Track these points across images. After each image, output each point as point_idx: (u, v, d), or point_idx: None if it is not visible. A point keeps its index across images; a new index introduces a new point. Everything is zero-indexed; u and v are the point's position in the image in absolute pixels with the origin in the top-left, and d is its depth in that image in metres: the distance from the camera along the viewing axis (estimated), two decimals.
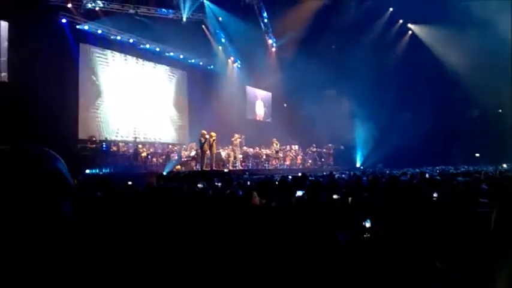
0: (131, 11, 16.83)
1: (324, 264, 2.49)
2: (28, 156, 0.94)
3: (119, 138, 16.37)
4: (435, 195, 6.11)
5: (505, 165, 16.31)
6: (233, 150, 17.23)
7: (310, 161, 21.83)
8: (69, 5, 15.11)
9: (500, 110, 22.13)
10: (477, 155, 22.20)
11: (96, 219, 3.83)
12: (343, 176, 11.10)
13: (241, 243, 3.27)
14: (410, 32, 23.88)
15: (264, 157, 19.47)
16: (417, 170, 13.15)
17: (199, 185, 6.80)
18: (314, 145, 21.92)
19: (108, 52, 17.39)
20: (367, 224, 3.40)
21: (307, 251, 2.59)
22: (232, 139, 17.27)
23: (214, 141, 15.72)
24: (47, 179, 0.93)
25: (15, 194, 0.88)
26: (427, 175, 9.84)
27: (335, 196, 6.03)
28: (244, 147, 18.99)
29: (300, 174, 9.65)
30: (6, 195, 0.88)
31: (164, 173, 13.66)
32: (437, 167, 15.96)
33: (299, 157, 21.63)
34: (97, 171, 13.78)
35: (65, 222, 0.95)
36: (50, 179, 0.94)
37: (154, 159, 16.46)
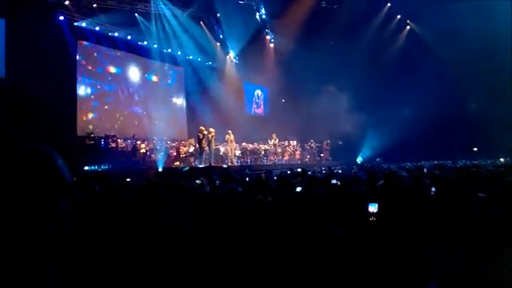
0: (129, 7, 16.79)
1: (321, 261, 2.51)
2: (26, 154, 0.95)
3: (117, 135, 16.35)
4: (433, 189, 6.14)
5: (502, 160, 16.35)
6: (229, 146, 17.23)
7: (308, 156, 21.87)
8: (67, 2, 15.06)
9: (498, 104, 22.08)
10: (475, 149, 22.21)
11: (95, 215, 3.84)
12: (339, 171, 11.17)
13: (240, 241, 3.29)
14: (408, 27, 23.85)
15: (263, 153, 19.48)
16: (415, 164, 13.18)
17: (198, 181, 6.79)
18: (312, 140, 21.95)
19: (106, 49, 17.36)
20: (372, 209, 3.40)
21: (304, 248, 2.60)
22: (227, 136, 17.26)
23: (213, 137, 15.71)
24: (44, 177, 0.94)
25: (14, 192, 0.90)
26: (425, 169, 9.87)
27: (334, 181, 6.06)
28: (244, 143, 18.99)
29: (299, 169, 9.66)
30: (6, 193, 0.89)
31: (160, 170, 13.69)
32: (435, 161, 15.98)
33: (297, 152, 21.66)
34: (95, 167, 13.77)
35: (62, 218, 0.97)
36: (48, 177, 0.95)
37: (153, 156, 16.45)
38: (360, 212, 3.41)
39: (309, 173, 8.92)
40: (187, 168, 14.39)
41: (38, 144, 1.01)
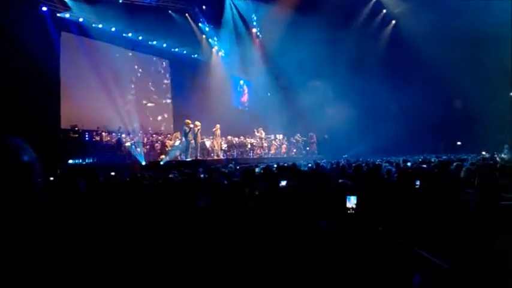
0: None
1: (308, 255, 2.51)
2: None
3: (102, 128, 16.17)
4: (418, 182, 6.21)
5: (484, 153, 16.65)
6: (215, 140, 17.18)
7: (294, 150, 21.93)
8: None
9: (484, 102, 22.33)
10: (459, 143, 22.54)
11: (79, 209, 3.80)
12: (323, 163, 11.22)
13: (226, 235, 3.29)
14: (393, 21, 23.92)
15: (249, 146, 19.48)
16: (400, 158, 13.30)
17: (170, 176, 6.73)
18: (299, 134, 22.00)
19: (90, 41, 17.09)
20: (349, 203, 3.44)
21: (291, 241, 2.61)
22: (214, 129, 17.19)
23: (199, 131, 15.66)
24: (6, 177, 0.91)
25: None
26: (409, 163, 9.98)
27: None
28: (229, 137, 18.95)
29: (286, 164, 9.72)
30: None
31: (143, 163, 13.63)
32: (420, 156, 16.14)
33: (284, 146, 21.71)
34: (80, 161, 13.63)
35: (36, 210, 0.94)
36: (10, 176, 0.92)
37: (138, 149, 16.30)
38: (342, 205, 3.44)
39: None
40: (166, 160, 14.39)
41: (2, 136, 0.97)
